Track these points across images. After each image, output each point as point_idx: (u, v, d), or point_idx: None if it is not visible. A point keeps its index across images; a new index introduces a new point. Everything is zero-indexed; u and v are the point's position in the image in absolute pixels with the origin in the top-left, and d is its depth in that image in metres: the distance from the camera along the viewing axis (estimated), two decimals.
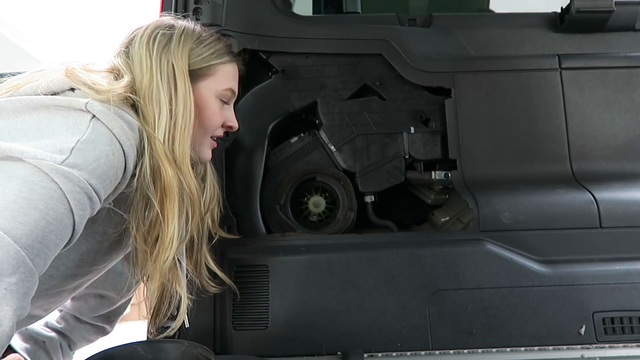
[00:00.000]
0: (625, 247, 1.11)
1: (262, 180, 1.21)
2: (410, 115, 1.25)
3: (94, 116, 0.74)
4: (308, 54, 1.25)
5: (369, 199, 1.25)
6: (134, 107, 0.83)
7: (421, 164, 1.26)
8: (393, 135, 1.25)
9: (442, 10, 1.42)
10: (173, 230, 0.82)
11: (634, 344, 1.04)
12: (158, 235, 0.83)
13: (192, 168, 0.90)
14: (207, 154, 0.98)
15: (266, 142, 1.21)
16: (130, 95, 0.82)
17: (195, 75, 0.91)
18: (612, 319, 1.06)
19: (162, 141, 0.82)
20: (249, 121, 1.21)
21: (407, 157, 1.25)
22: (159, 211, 0.81)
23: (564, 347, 1.04)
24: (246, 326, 1.06)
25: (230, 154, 1.19)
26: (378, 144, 1.25)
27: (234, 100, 1.01)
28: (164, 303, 0.85)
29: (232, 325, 1.06)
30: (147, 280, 0.84)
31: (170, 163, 0.82)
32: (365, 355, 1.02)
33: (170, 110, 0.84)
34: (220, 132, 1.00)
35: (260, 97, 1.23)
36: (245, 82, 1.33)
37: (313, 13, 1.79)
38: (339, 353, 1.03)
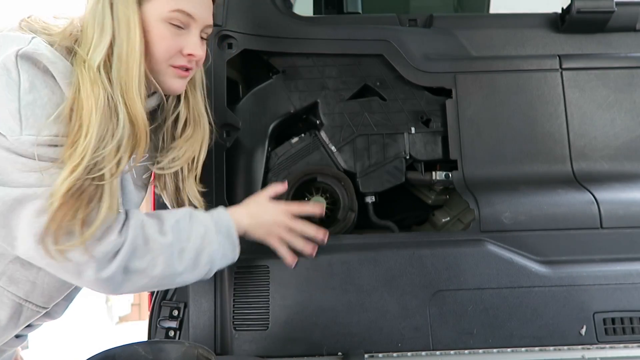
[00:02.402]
0: (625, 247, 1.11)
1: (263, 180, 1.21)
2: (411, 116, 1.25)
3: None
4: (309, 55, 1.25)
5: (370, 199, 1.25)
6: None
7: (422, 165, 1.27)
8: (394, 135, 1.25)
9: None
10: (86, 144, 0.77)
11: (634, 345, 1.04)
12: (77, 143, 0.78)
13: (145, 97, 0.86)
14: (172, 85, 0.91)
15: (267, 143, 1.22)
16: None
17: None
18: (613, 320, 1.06)
19: (94, 66, 0.79)
20: (250, 121, 1.21)
21: (407, 157, 1.25)
22: (79, 123, 0.78)
23: (565, 347, 1.04)
24: (247, 326, 1.06)
25: (230, 155, 1.19)
26: (379, 144, 1.25)
27: (199, 25, 0.90)
28: (69, 214, 0.77)
29: (232, 326, 1.06)
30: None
31: (90, 79, 0.78)
32: (365, 355, 1.02)
33: (113, 34, 0.82)
34: (180, 61, 0.90)
35: (261, 97, 1.23)
36: (246, 82, 1.34)
37: (314, 13, 1.79)
38: (340, 353, 1.03)
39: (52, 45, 0.79)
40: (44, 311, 0.92)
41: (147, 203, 1.22)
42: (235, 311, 1.07)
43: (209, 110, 1.04)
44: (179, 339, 1.08)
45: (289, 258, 1.04)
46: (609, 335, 1.05)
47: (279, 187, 1.07)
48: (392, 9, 1.64)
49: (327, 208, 1.28)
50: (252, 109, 1.22)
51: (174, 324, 1.09)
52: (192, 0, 0.88)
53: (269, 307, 1.06)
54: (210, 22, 0.93)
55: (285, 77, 1.24)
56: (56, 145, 0.76)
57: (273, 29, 1.22)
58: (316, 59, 1.25)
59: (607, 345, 1.04)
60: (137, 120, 0.83)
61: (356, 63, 1.26)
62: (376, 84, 1.26)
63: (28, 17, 0.83)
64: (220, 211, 0.98)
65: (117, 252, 0.81)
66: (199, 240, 0.91)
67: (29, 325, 0.94)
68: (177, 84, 0.92)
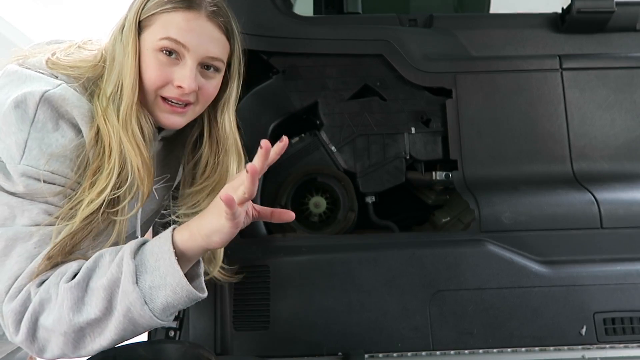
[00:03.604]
0: (626, 247, 1.11)
1: (263, 180, 1.21)
2: (411, 116, 1.25)
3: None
4: (309, 55, 1.25)
5: (370, 199, 1.25)
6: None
7: (422, 165, 1.27)
8: (394, 135, 1.25)
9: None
10: (105, 184, 0.77)
11: (634, 345, 1.04)
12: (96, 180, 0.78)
13: (149, 134, 0.85)
14: (166, 120, 0.86)
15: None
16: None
17: (140, 27, 0.83)
18: (613, 320, 1.06)
19: (107, 97, 0.80)
20: (250, 121, 1.21)
21: (407, 157, 1.25)
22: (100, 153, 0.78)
23: (565, 347, 1.04)
24: (247, 326, 1.06)
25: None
26: (379, 144, 1.25)
27: (191, 57, 0.82)
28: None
29: (232, 326, 1.06)
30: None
31: (109, 121, 0.79)
32: (366, 355, 1.02)
33: (121, 65, 0.82)
34: (170, 92, 0.83)
35: (261, 97, 1.23)
36: (246, 82, 1.34)
37: (314, 13, 1.79)
38: (340, 353, 1.03)
39: (79, 80, 0.80)
40: None
41: None
42: (235, 311, 1.07)
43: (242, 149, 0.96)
44: (179, 339, 1.08)
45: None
46: (609, 335, 1.05)
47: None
48: (392, 9, 1.63)
49: (327, 208, 1.28)
50: (252, 109, 1.22)
51: (174, 324, 1.09)
52: (185, 28, 0.82)
53: (269, 307, 1.06)
54: (215, 54, 0.85)
55: (285, 77, 1.24)
56: (52, 184, 0.75)
57: (273, 29, 1.22)
58: (316, 59, 1.25)
59: (607, 345, 1.04)
60: (132, 157, 0.80)
61: (356, 63, 1.26)
62: (376, 84, 1.26)
63: (53, 56, 0.83)
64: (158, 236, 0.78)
65: (25, 309, 0.72)
66: (113, 271, 0.72)
67: None
68: (170, 120, 0.86)
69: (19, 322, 0.71)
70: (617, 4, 1.24)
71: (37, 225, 0.74)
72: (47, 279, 0.73)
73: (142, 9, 0.83)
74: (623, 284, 1.07)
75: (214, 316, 1.07)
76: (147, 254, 0.73)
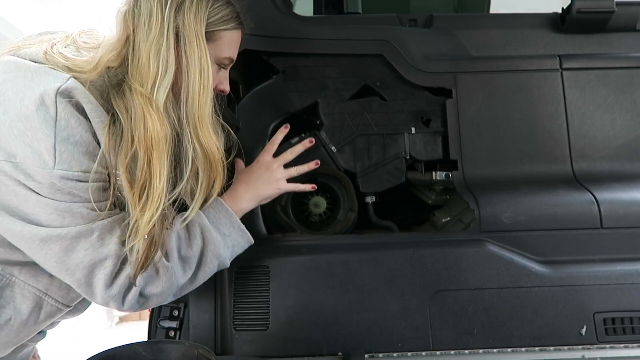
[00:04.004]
0: (626, 247, 1.11)
1: None
2: (411, 116, 1.25)
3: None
4: (309, 55, 1.25)
5: (370, 199, 1.25)
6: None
7: (422, 165, 1.26)
8: (394, 135, 1.25)
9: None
10: (162, 187, 0.80)
11: (634, 345, 1.04)
12: (145, 189, 0.81)
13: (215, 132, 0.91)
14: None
15: (267, 143, 1.21)
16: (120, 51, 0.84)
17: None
18: (613, 320, 1.06)
19: (160, 100, 0.81)
20: (250, 121, 1.21)
21: (408, 157, 1.25)
22: (145, 164, 0.80)
23: (565, 347, 1.04)
24: (247, 327, 1.06)
25: (231, 155, 1.18)
26: (379, 144, 1.25)
27: (229, 65, 0.98)
28: (151, 254, 0.82)
29: (232, 326, 1.06)
30: (129, 236, 0.82)
31: (159, 116, 0.81)
32: (366, 355, 1.02)
33: (179, 71, 0.84)
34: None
35: (261, 97, 1.23)
36: (246, 82, 1.34)
37: (314, 13, 1.79)
38: (340, 354, 1.03)
39: (84, 84, 0.80)
40: (66, 309, 0.93)
41: None
42: (235, 311, 1.07)
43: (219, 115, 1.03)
44: (179, 339, 1.08)
45: (307, 187, 1.12)
46: (609, 335, 1.05)
47: (279, 136, 1.13)
48: (392, 9, 1.63)
49: (327, 208, 1.28)
50: (252, 109, 1.22)
51: (174, 324, 1.09)
52: (237, 46, 0.96)
53: (269, 307, 1.06)
54: None
55: (285, 77, 1.24)
56: (84, 182, 0.79)
57: (273, 29, 1.22)
58: (316, 59, 1.25)
59: (608, 345, 1.04)
60: (214, 156, 0.87)
61: (356, 63, 1.26)
62: (376, 84, 1.26)
63: (52, 49, 0.84)
64: (214, 203, 0.98)
65: (131, 286, 0.84)
66: (199, 242, 0.92)
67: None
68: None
69: (123, 298, 0.84)
70: (617, 4, 1.24)
71: (91, 222, 0.79)
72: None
73: (206, 21, 0.87)
74: (623, 284, 1.07)
75: (214, 316, 1.07)
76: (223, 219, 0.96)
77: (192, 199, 0.90)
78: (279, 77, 1.24)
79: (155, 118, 0.80)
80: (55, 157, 0.75)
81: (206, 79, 0.85)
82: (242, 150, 1.09)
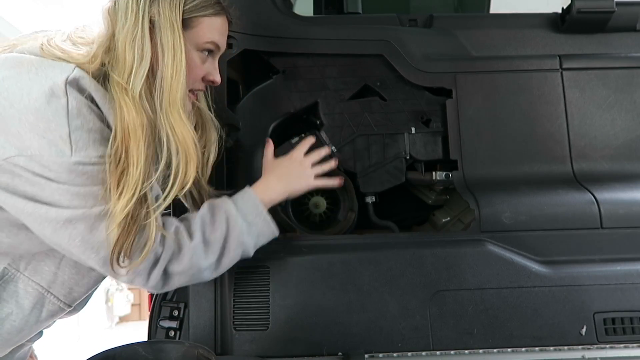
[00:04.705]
0: (626, 247, 1.11)
1: None
2: (411, 116, 1.25)
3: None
4: (309, 55, 1.25)
5: (370, 199, 1.25)
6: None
7: (422, 165, 1.26)
8: (394, 135, 1.25)
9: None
10: (139, 174, 0.81)
11: (634, 345, 1.04)
12: (123, 176, 0.82)
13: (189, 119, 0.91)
14: (187, 106, 0.96)
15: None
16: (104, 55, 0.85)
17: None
18: (613, 320, 1.06)
19: (136, 90, 0.82)
20: (250, 121, 1.21)
21: (408, 157, 1.25)
22: (122, 153, 0.81)
23: (565, 347, 1.04)
24: (247, 327, 1.06)
25: (231, 155, 1.19)
26: (379, 144, 1.25)
27: (219, 54, 0.98)
28: (129, 239, 0.82)
29: (232, 326, 1.06)
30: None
31: (135, 105, 0.82)
32: (366, 355, 1.02)
33: (154, 59, 0.85)
34: (200, 86, 0.98)
35: (261, 97, 1.23)
36: (246, 82, 1.34)
37: (314, 14, 1.79)
38: (340, 354, 1.03)
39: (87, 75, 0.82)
40: (68, 309, 0.93)
41: None
42: (235, 311, 1.07)
43: (212, 111, 1.07)
44: (179, 339, 1.08)
45: (336, 182, 1.14)
46: (609, 335, 1.05)
47: (308, 141, 1.16)
48: (392, 9, 1.63)
49: (327, 208, 1.28)
50: (252, 109, 1.22)
51: (174, 324, 1.09)
52: (221, 32, 0.96)
53: (269, 307, 1.06)
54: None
55: (285, 77, 1.24)
56: (101, 165, 0.80)
57: (273, 29, 1.22)
58: (316, 59, 1.25)
59: (608, 346, 1.04)
60: (187, 142, 0.87)
61: (356, 63, 1.26)
62: (376, 84, 1.26)
63: (48, 42, 0.85)
64: (243, 192, 1.01)
65: (157, 261, 0.87)
66: (224, 227, 0.94)
67: None
68: (188, 105, 0.97)
69: (149, 273, 0.87)
70: (617, 4, 1.24)
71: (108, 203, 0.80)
72: (167, 236, 0.88)
73: (182, 8, 0.88)
74: (623, 284, 1.07)
75: (214, 316, 1.07)
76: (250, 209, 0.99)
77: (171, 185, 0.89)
78: (279, 77, 1.24)
79: (131, 106, 0.81)
80: (71, 146, 0.76)
81: (179, 63, 0.86)
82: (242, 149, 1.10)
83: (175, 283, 0.92)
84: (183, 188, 0.88)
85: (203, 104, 1.05)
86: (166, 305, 1.10)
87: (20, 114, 0.75)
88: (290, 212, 1.24)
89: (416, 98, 1.26)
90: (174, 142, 0.86)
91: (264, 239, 1.01)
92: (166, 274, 0.89)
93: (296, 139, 1.26)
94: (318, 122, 1.26)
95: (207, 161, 1.04)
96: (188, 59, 0.89)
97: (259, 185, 1.04)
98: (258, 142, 1.20)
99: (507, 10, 1.49)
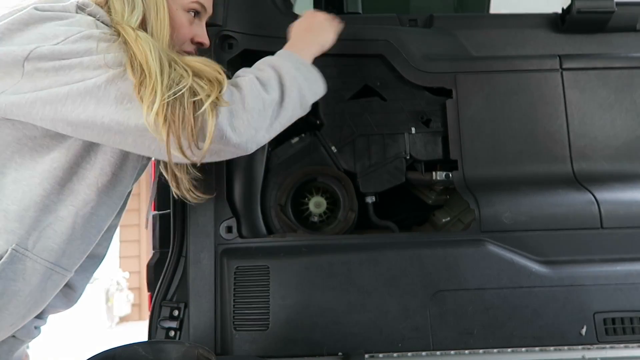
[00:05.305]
0: (626, 247, 1.11)
1: (263, 181, 1.21)
2: (411, 116, 1.25)
3: None
4: None
5: (370, 199, 1.25)
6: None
7: (422, 165, 1.27)
8: (394, 135, 1.25)
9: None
10: (155, 80, 0.79)
11: (634, 345, 1.04)
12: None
13: None
14: None
15: (267, 143, 1.21)
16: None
17: None
18: (613, 320, 1.06)
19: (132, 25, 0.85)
20: None
21: (408, 157, 1.25)
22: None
23: (565, 347, 1.04)
24: (247, 327, 1.06)
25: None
26: (379, 144, 1.25)
27: (205, 17, 1.00)
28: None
29: (232, 326, 1.06)
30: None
31: (136, 35, 0.83)
32: (366, 355, 1.02)
33: (144, 14, 0.88)
34: (189, 47, 0.99)
35: None
36: None
37: None
38: (340, 354, 1.04)
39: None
40: (69, 276, 0.93)
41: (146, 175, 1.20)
42: (235, 311, 1.07)
43: None
44: (179, 339, 1.09)
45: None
46: (610, 335, 1.05)
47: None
48: (392, 9, 1.63)
49: (327, 208, 1.28)
50: None
51: (174, 324, 1.09)
52: None
53: (269, 307, 1.06)
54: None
55: None
56: (107, 41, 0.80)
57: (273, 29, 1.22)
58: (316, 59, 1.25)
59: (608, 345, 1.04)
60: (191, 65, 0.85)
61: (356, 63, 1.26)
62: (376, 84, 1.26)
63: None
64: (279, 53, 1.00)
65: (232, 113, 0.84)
66: (271, 70, 0.92)
67: (41, 315, 0.94)
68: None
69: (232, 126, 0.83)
70: (617, 4, 1.24)
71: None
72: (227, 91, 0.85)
73: None
74: (623, 284, 1.07)
75: (214, 316, 1.07)
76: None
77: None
78: None
79: (132, 34, 0.82)
80: (78, 40, 0.78)
81: (162, 20, 0.89)
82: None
83: (245, 124, 0.85)
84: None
85: None
86: (166, 306, 1.10)
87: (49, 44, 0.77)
88: (290, 212, 1.24)
89: (416, 98, 1.26)
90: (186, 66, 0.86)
91: (314, 84, 0.98)
92: (233, 119, 0.84)
93: (296, 139, 1.26)
94: (318, 122, 1.26)
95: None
96: (174, 17, 0.93)
97: (291, 46, 1.02)
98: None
99: (507, 10, 1.49)
